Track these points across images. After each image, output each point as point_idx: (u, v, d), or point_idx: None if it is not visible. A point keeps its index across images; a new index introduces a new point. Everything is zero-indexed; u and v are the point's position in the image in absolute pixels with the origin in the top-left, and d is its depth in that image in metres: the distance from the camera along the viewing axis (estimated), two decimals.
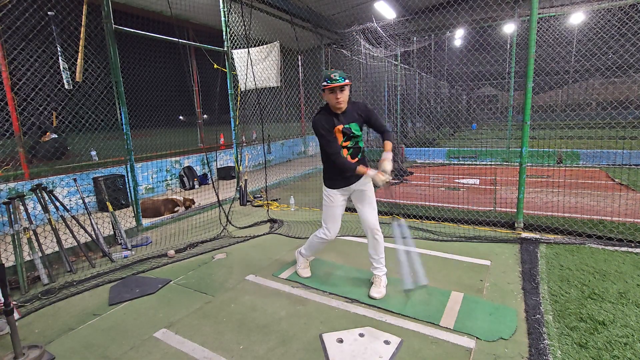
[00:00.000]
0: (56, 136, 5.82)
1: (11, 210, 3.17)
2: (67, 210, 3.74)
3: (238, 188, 6.11)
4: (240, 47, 6.14)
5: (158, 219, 5.04)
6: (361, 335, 2.29)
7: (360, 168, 2.54)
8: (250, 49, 5.79)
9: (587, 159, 8.17)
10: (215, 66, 5.94)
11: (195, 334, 2.39)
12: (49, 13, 4.25)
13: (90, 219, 3.84)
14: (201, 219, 5.12)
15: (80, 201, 4.93)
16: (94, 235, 3.83)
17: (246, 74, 5.94)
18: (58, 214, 3.68)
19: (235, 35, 6.12)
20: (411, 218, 4.64)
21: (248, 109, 6.44)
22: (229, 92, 6.17)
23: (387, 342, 2.20)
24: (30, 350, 2.17)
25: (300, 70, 11.53)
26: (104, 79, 5.00)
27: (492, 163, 8.87)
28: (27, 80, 4.79)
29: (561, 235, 3.82)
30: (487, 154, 9.35)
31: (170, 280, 3.20)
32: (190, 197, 5.78)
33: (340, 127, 2.59)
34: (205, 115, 9.47)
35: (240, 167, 6.19)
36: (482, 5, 5.38)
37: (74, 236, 3.66)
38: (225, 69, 6.12)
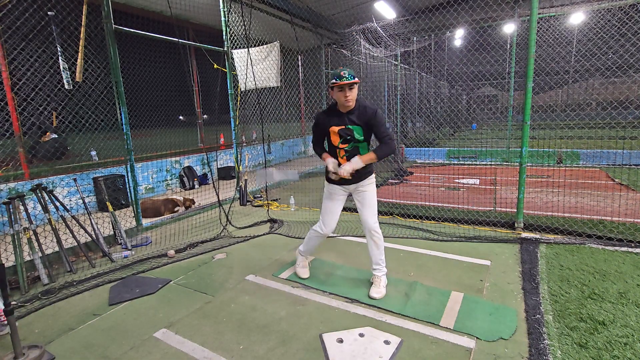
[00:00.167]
0: (56, 136, 5.82)
1: (11, 210, 3.17)
2: (67, 210, 3.74)
3: (238, 188, 6.11)
4: (240, 47, 6.14)
5: (158, 219, 5.04)
6: (361, 335, 2.29)
7: (324, 155, 2.75)
8: (250, 49, 5.79)
9: (587, 159, 8.16)
10: (215, 66, 5.94)
11: (195, 334, 2.39)
12: (49, 13, 4.24)
13: (90, 219, 3.84)
14: (201, 219, 5.13)
15: (80, 201, 4.93)
16: (94, 235, 3.84)
17: (246, 74, 5.94)
18: (58, 214, 3.68)
19: (235, 35, 6.12)
20: (411, 218, 4.64)
21: (248, 109, 6.43)
22: (229, 92, 6.17)
23: (387, 342, 2.21)
24: (30, 350, 2.18)
25: (300, 70, 11.52)
26: (104, 79, 5.01)
27: (492, 163, 8.87)
28: (27, 80, 4.79)
29: (561, 235, 3.82)
30: (487, 154, 9.34)
31: (170, 280, 3.20)
32: (190, 197, 5.78)
33: (336, 128, 2.60)
34: (205, 115, 9.46)
35: (240, 167, 6.19)
36: (482, 5, 5.38)
37: (74, 236, 3.66)
38: (225, 69, 6.12)
